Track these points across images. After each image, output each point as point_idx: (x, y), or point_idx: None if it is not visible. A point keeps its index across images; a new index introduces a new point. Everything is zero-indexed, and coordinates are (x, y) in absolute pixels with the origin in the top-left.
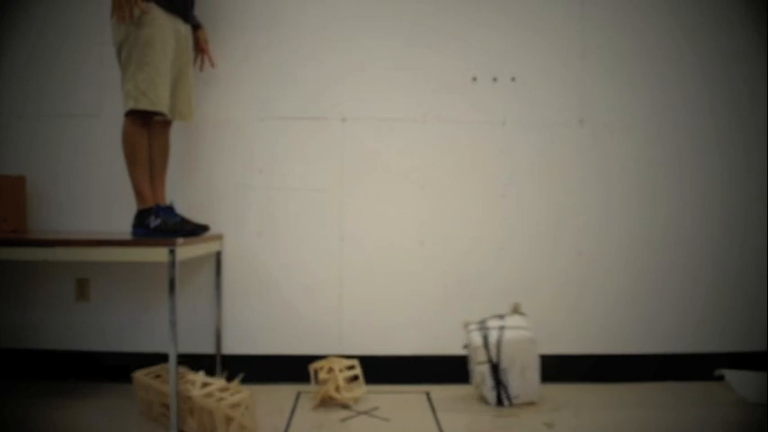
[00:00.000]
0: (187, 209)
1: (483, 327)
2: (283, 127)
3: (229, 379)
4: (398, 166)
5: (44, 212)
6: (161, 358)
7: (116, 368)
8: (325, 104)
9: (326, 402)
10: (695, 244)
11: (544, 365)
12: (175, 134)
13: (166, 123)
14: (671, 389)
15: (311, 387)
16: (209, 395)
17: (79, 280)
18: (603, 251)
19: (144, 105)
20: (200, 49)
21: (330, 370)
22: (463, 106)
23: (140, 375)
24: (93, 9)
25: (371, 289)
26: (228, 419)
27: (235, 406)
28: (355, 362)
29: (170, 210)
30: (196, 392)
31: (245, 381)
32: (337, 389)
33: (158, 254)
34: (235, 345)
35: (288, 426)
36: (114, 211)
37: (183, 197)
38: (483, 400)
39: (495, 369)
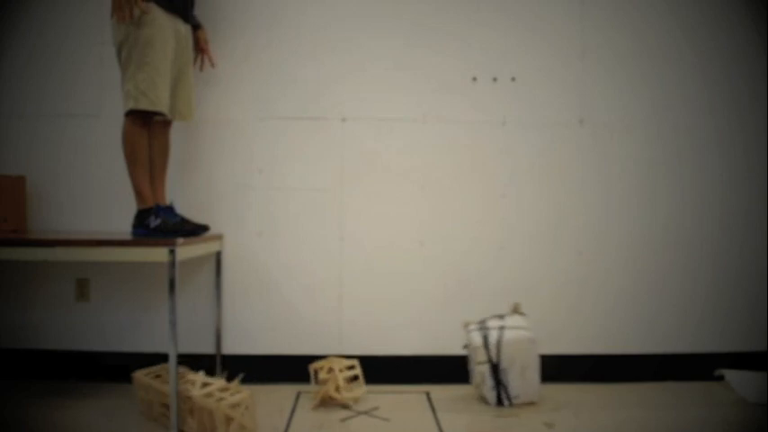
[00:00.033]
0: (187, 209)
1: (483, 327)
2: (283, 127)
3: (229, 379)
4: (398, 166)
5: (44, 212)
6: (161, 358)
7: (116, 368)
8: (325, 104)
9: (326, 402)
10: (695, 244)
11: (544, 365)
12: (175, 134)
13: (166, 123)
14: (671, 389)
15: (311, 387)
16: (209, 395)
17: (79, 280)
18: (603, 251)
19: (144, 105)
20: (200, 49)
21: (330, 370)
22: (463, 106)
23: (140, 375)
24: (93, 9)
25: (371, 289)
26: (228, 419)
27: (235, 406)
28: (355, 362)
29: (170, 210)
30: (196, 392)
31: (245, 381)
32: (337, 389)
33: (158, 254)
34: (235, 345)
35: (288, 426)
36: (114, 211)
37: (183, 197)
38: (483, 400)
39: (495, 369)
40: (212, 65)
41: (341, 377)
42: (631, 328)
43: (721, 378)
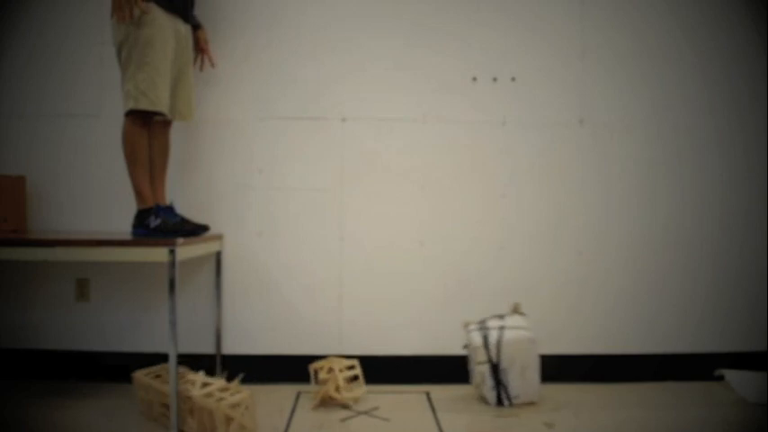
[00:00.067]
0: (187, 209)
1: (483, 327)
2: (283, 127)
3: (229, 379)
4: (398, 166)
5: (44, 212)
6: (161, 358)
7: (116, 368)
8: (325, 104)
9: (326, 402)
10: (695, 244)
11: (544, 365)
12: (175, 134)
13: (166, 123)
14: (671, 389)
15: (311, 387)
16: (209, 395)
17: (79, 280)
18: (603, 251)
19: (144, 105)
20: (200, 49)
21: (330, 370)
22: (463, 106)
23: (140, 375)
24: (93, 9)
25: (371, 289)
26: (228, 419)
27: (235, 406)
28: (355, 362)
29: (170, 210)
30: (196, 392)
31: (245, 381)
32: (337, 389)
33: (158, 254)
34: (235, 345)
35: (288, 426)
36: (114, 211)
37: (183, 197)
38: (483, 400)
39: (495, 369)
40: (212, 65)
41: (341, 377)
42: (631, 328)
43: (721, 378)
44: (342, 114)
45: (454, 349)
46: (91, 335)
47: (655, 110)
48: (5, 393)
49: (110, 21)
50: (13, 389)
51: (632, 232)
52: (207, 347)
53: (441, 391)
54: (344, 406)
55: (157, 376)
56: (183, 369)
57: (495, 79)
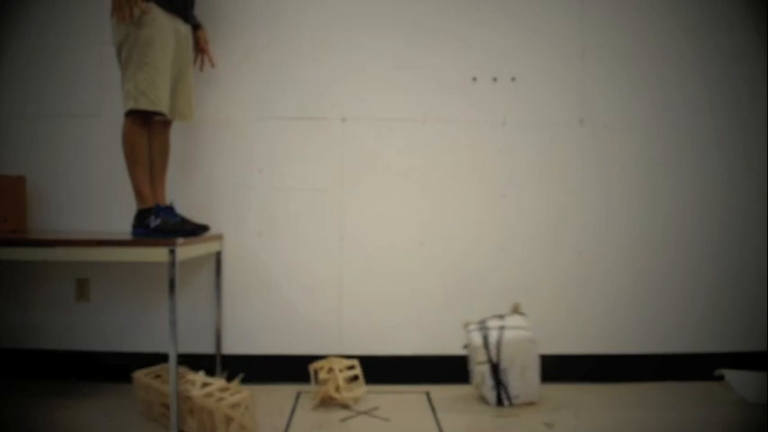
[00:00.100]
0: (187, 209)
1: (483, 327)
2: (283, 127)
3: (229, 379)
4: (398, 166)
5: (44, 212)
6: (161, 358)
7: (116, 368)
8: (325, 104)
9: (326, 402)
10: (695, 244)
11: (544, 365)
12: (175, 134)
13: (166, 123)
14: (671, 389)
15: (311, 387)
16: (209, 395)
17: (79, 280)
18: (603, 251)
19: (144, 105)
20: (200, 49)
21: (330, 370)
22: (463, 106)
23: (140, 375)
24: (93, 9)
25: (371, 289)
26: (228, 419)
27: (235, 406)
28: (355, 362)
29: (170, 210)
30: (196, 392)
31: (245, 381)
32: (337, 389)
33: (158, 254)
34: (235, 345)
35: (288, 426)
36: (114, 211)
37: (183, 197)
38: (483, 400)
39: (495, 369)
40: (212, 65)
41: (341, 377)
42: (631, 328)
43: (721, 378)
44: (342, 114)
45: (454, 349)
46: (91, 335)
47: (655, 110)
48: (5, 393)
49: (110, 21)
50: (13, 389)
51: (632, 232)
52: (207, 347)
53: (441, 391)
54: (344, 406)
55: (157, 376)
56: (183, 369)
57: (495, 79)
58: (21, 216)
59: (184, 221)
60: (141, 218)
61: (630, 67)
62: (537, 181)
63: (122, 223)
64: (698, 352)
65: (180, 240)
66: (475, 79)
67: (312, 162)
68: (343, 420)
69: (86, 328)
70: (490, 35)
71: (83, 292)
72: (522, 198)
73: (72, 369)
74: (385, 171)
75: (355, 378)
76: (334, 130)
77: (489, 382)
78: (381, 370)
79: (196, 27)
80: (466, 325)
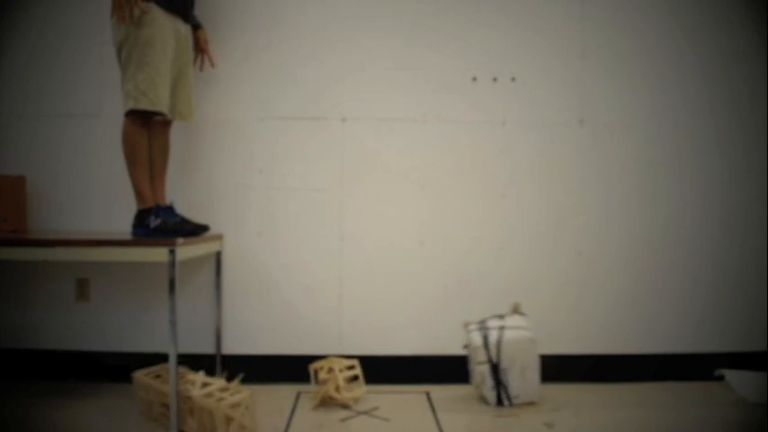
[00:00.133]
0: (187, 209)
1: (483, 327)
2: (283, 127)
3: (229, 379)
4: (398, 166)
5: (44, 212)
6: (161, 358)
7: (116, 368)
8: (325, 104)
9: (326, 402)
10: (695, 244)
11: (544, 365)
12: (175, 134)
13: (166, 123)
14: (671, 389)
15: (311, 387)
16: (209, 395)
17: (79, 280)
18: (603, 251)
19: (144, 105)
20: (200, 49)
21: (330, 370)
22: (463, 106)
23: (140, 375)
24: (93, 9)
25: (371, 289)
26: (228, 419)
27: (235, 406)
28: (355, 362)
29: (170, 210)
30: (196, 392)
31: (245, 381)
32: (337, 389)
33: (158, 254)
34: (235, 345)
35: (288, 426)
36: (114, 211)
37: (183, 197)
38: (483, 400)
39: (495, 369)
40: (212, 65)
41: (341, 377)
42: (631, 328)
43: (721, 378)
44: (342, 114)
45: (454, 349)
46: (91, 335)
47: (655, 110)
48: (5, 393)
49: (110, 21)
50: (13, 389)
51: (632, 232)
52: (207, 347)
53: (441, 391)
54: (344, 406)
55: (157, 376)
56: (182, 369)
57: (495, 79)
58: (21, 216)
59: (184, 221)
60: (141, 218)
61: (630, 67)
62: (537, 181)
63: (122, 223)
64: (698, 352)
65: (180, 240)
66: (475, 79)
67: (312, 162)
68: (344, 420)
69: (86, 328)
70: (490, 35)
71: (83, 292)
72: (522, 198)
73: (72, 369)
74: (385, 171)
75: (355, 378)
76: (334, 130)
77: (489, 382)
78: (381, 370)
79: (196, 27)
80: (466, 325)
